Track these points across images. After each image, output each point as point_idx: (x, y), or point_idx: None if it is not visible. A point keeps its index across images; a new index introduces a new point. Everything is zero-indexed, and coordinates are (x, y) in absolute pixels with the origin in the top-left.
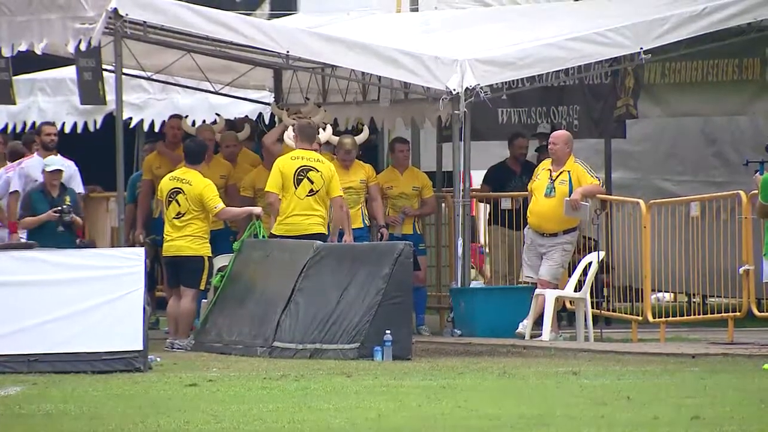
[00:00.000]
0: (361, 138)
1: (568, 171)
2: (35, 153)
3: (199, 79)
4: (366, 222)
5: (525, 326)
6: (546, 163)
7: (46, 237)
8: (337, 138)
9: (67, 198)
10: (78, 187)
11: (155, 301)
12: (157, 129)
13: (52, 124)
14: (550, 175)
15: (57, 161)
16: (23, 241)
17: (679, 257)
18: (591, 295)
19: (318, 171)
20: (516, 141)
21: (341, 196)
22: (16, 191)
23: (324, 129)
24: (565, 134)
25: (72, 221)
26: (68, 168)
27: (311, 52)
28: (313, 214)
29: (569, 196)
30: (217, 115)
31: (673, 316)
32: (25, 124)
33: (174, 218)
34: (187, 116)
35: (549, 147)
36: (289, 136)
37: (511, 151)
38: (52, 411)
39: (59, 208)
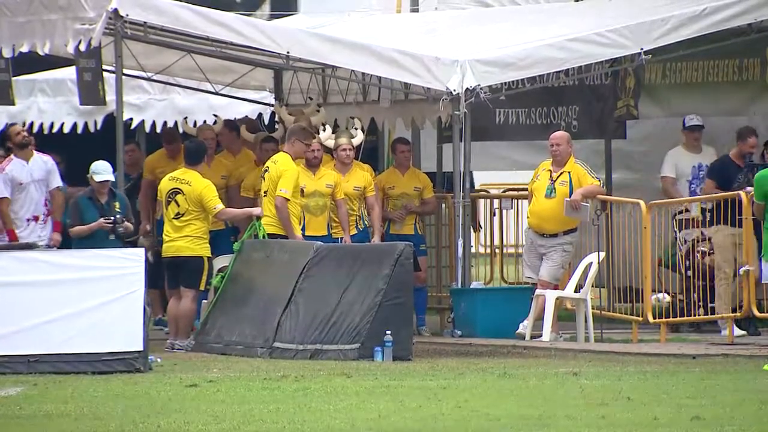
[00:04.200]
0: (355, 142)
1: (569, 171)
2: (13, 155)
3: (199, 79)
4: (366, 222)
5: (525, 327)
6: (546, 164)
7: (95, 246)
8: (329, 141)
9: (117, 204)
10: (57, 182)
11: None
12: (159, 130)
13: (14, 124)
14: (551, 175)
15: (106, 168)
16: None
17: (679, 258)
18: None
19: (267, 171)
20: (749, 139)
21: (342, 198)
22: (5, 197)
23: (323, 130)
24: (566, 135)
25: (125, 231)
26: (45, 163)
27: (312, 53)
28: (266, 215)
29: (569, 196)
30: (215, 115)
31: (673, 317)
32: (24, 124)
33: (173, 218)
34: (186, 117)
35: (553, 149)
36: (328, 136)
37: (742, 147)
38: (52, 412)
39: (111, 218)
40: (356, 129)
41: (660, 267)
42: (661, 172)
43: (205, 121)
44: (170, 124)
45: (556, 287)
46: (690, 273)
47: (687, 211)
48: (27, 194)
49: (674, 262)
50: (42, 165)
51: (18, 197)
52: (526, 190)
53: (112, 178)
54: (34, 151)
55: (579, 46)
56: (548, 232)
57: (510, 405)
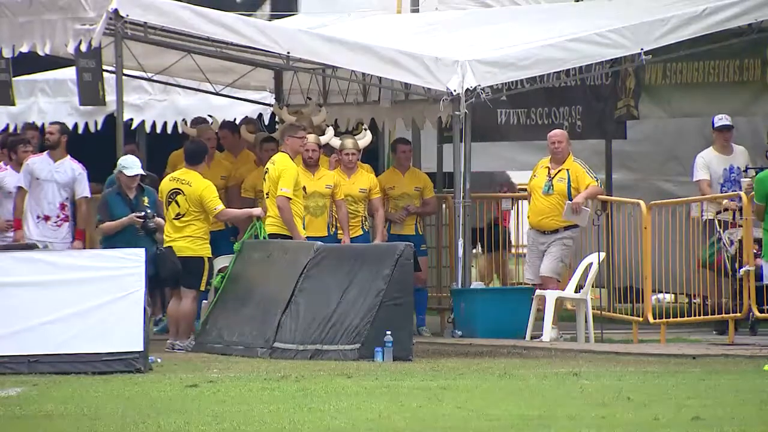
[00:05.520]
0: (364, 142)
1: (567, 169)
2: (46, 152)
3: (199, 80)
4: (367, 225)
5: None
6: (544, 161)
7: (125, 242)
8: (334, 140)
9: (145, 199)
10: (83, 191)
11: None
12: (159, 130)
13: (58, 123)
14: (548, 172)
15: (135, 163)
16: (29, 241)
17: (679, 258)
18: None
19: (267, 172)
20: None
21: (342, 199)
22: (22, 188)
23: (325, 131)
24: (565, 133)
25: (156, 226)
26: (74, 170)
27: (312, 53)
28: (269, 216)
29: (567, 193)
30: (210, 116)
31: (673, 317)
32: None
33: (174, 219)
34: (184, 119)
35: (554, 147)
36: (331, 136)
37: None
38: (52, 412)
39: (143, 213)
40: (365, 129)
41: (703, 269)
42: (695, 176)
43: (204, 120)
44: (170, 125)
45: (558, 282)
46: (741, 275)
47: (726, 210)
48: (41, 191)
49: (712, 262)
50: (70, 171)
51: (32, 192)
52: (526, 190)
53: (142, 171)
54: (69, 156)
55: (579, 46)
56: (548, 229)
57: (510, 405)
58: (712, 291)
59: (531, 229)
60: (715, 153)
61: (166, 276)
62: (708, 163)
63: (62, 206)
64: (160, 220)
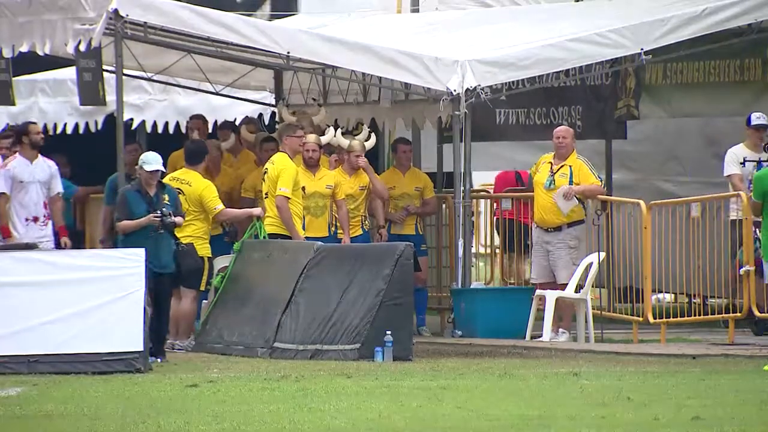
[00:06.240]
0: (370, 143)
1: (570, 165)
2: (18, 153)
3: (199, 79)
4: (367, 225)
5: (551, 334)
6: (547, 157)
7: (144, 240)
8: (343, 140)
9: (166, 197)
10: (58, 187)
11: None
12: (160, 130)
13: (35, 123)
14: (551, 168)
15: (156, 159)
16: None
17: (679, 258)
18: None
19: (266, 172)
20: None
21: (343, 199)
22: (4, 193)
23: (325, 131)
24: (570, 129)
25: (175, 225)
26: (50, 168)
27: (312, 53)
28: (268, 216)
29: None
30: (233, 131)
31: (673, 317)
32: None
33: None
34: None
35: (559, 142)
36: (332, 136)
37: None
38: (52, 412)
39: (159, 212)
40: (368, 130)
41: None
42: (726, 170)
43: (201, 116)
44: (171, 125)
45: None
46: (741, 274)
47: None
48: (27, 194)
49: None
50: (46, 168)
51: (17, 195)
52: (525, 190)
53: (162, 168)
54: (39, 155)
55: (579, 46)
56: (552, 225)
57: (510, 405)
58: (757, 293)
59: (536, 226)
60: (747, 150)
61: (187, 273)
62: (739, 159)
63: (45, 205)
64: (179, 219)
